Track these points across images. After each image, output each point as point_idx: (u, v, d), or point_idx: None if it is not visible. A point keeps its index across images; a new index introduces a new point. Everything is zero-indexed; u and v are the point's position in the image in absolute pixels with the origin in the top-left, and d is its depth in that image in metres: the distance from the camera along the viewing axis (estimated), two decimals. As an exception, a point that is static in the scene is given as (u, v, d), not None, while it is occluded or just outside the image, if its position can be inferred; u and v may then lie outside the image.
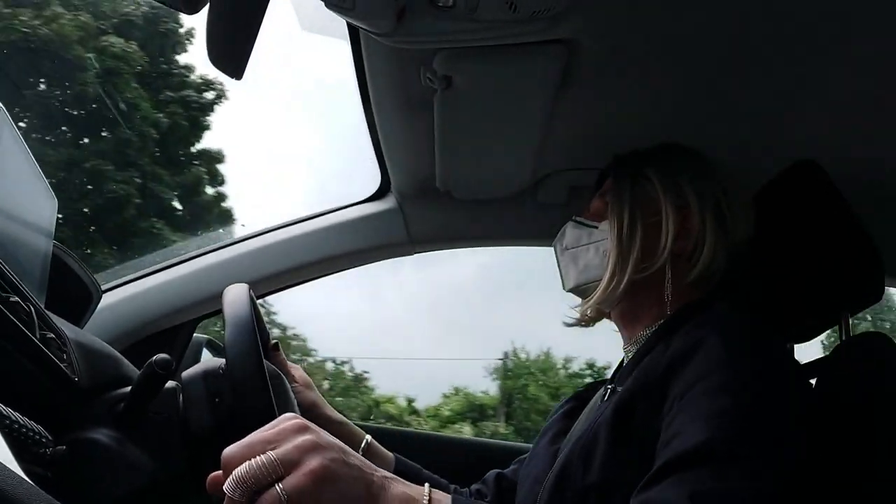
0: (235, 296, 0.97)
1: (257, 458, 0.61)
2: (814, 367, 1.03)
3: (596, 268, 1.05)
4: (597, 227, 1.07)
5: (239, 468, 0.61)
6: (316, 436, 0.65)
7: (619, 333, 1.10)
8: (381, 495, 0.67)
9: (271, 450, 0.62)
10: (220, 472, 0.63)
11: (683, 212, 1.02)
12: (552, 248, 1.16)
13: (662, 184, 1.03)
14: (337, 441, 0.67)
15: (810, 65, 1.04)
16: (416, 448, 1.57)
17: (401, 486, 0.69)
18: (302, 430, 0.65)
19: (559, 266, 1.13)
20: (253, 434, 0.64)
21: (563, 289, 1.12)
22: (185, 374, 0.97)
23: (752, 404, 0.79)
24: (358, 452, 1.14)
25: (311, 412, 1.14)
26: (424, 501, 0.69)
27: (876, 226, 1.05)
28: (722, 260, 1.01)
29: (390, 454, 1.20)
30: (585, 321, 1.15)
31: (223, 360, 0.93)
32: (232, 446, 0.63)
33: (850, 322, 1.09)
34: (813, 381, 0.99)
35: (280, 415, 0.70)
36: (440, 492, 0.72)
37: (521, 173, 1.42)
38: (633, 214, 1.02)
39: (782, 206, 1.10)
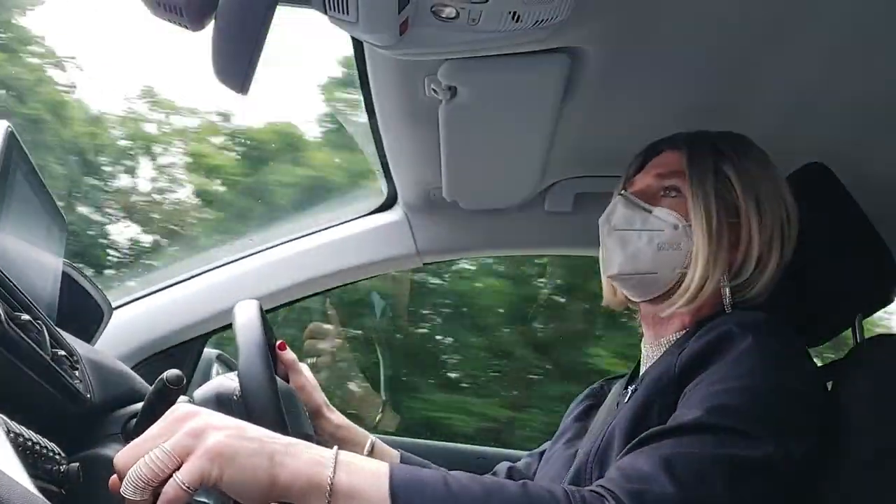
0: (247, 315, 0.97)
1: (149, 453, 0.60)
2: (828, 369, 1.03)
3: (647, 261, 0.98)
4: (650, 212, 0.99)
5: (133, 468, 0.60)
6: (206, 418, 0.63)
7: (644, 330, 1.07)
8: (287, 463, 0.64)
9: (163, 443, 0.61)
10: (116, 476, 0.62)
11: (759, 223, 0.97)
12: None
13: (742, 186, 0.98)
14: (232, 419, 0.65)
15: (816, 68, 1.04)
16: (427, 458, 1.56)
17: (310, 451, 0.66)
18: (191, 416, 0.63)
19: (603, 244, 1.04)
20: (143, 433, 0.63)
21: (603, 274, 1.05)
22: (198, 393, 0.97)
23: (748, 388, 0.79)
24: (363, 454, 1.12)
25: (316, 416, 1.13)
26: (330, 466, 0.65)
27: (887, 227, 1.04)
28: (774, 274, 0.98)
29: (395, 451, 1.19)
30: (620, 304, 1.11)
31: (236, 385, 0.93)
32: (122, 450, 0.62)
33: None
34: (829, 384, 0.98)
35: (294, 437, 0.69)
36: (350, 453, 0.69)
37: (528, 182, 1.42)
38: (718, 213, 0.96)
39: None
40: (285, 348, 1.13)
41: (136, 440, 0.63)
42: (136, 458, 0.61)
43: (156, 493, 0.60)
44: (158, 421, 0.65)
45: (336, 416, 1.16)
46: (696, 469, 0.73)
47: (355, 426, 1.19)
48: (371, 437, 1.17)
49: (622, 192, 1.03)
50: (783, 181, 1.01)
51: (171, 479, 0.60)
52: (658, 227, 0.98)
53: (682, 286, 0.97)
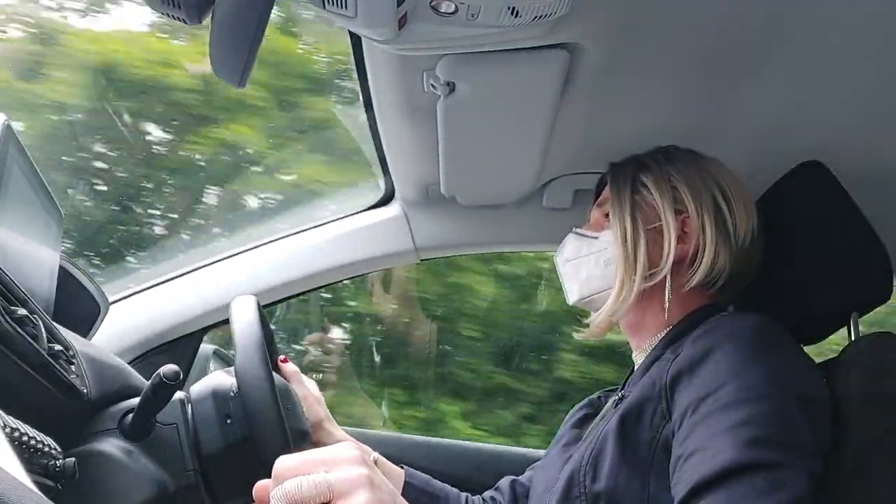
0: (244, 311, 0.97)
1: (310, 476, 0.59)
2: (823, 367, 1.03)
3: (598, 278, 1.05)
4: (597, 238, 1.07)
5: (289, 482, 0.59)
6: (371, 472, 0.62)
7: (629, 341, 1.10)
8: None
9: (324, 471, 0.60)
10: (269, 480, 0.61)
11: (682, 216, 1.02)
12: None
13: (658, 189, 1.03)
14: (389, 485, 0.64)
15: (815, 65, 1.04)
16: (425, 455, 1.57)
17: None
18: (359, 462, 0.62)
19: (561, 278, 1.13)
20: (310, 451, 0.62)
21: (568, 302, 1.11)
22: (195, 389, 0.97)
23: (770, 412, 0.79)
24: None
25: (317, 430, 1.12)
26: None
27: (883, 225, 1.04)
28: (724, 261, 1.01)
29: (398, 468, 1.18)
30: (597, 333, 1.14)
31: (233, 381, 0.93)
32: (287, 457, 0.61)
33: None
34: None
35: (291, 434, 0.68)
36: None
37: (526, 178, 1.42)
38: (634, 222, 1.02)
39: (788, 207, 1.10)
40: (287, 360, 1.13)
41: (303, 455, 0.62)
42: (296, 472, 0.59)
43: None
44: (333, 447, 0.64)
45: (337, 431, 1.15)
46: None
47: (357, 442, 1.18)
48: (374, 454, 1.17)
49: (573, 230, 1.12)
50: (714, 168, 1.06)
51: None
52: (602, 248, 1.06)
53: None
